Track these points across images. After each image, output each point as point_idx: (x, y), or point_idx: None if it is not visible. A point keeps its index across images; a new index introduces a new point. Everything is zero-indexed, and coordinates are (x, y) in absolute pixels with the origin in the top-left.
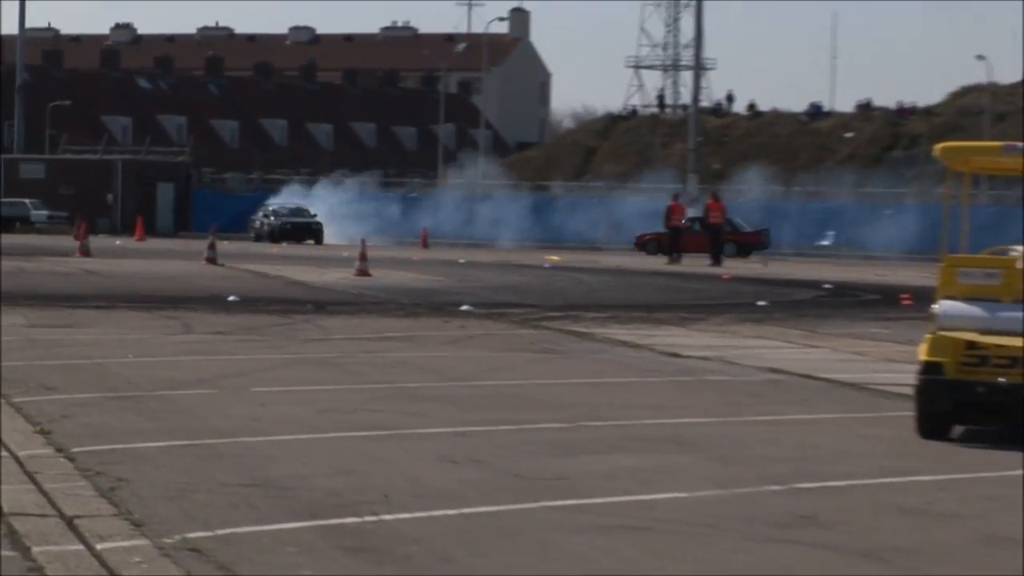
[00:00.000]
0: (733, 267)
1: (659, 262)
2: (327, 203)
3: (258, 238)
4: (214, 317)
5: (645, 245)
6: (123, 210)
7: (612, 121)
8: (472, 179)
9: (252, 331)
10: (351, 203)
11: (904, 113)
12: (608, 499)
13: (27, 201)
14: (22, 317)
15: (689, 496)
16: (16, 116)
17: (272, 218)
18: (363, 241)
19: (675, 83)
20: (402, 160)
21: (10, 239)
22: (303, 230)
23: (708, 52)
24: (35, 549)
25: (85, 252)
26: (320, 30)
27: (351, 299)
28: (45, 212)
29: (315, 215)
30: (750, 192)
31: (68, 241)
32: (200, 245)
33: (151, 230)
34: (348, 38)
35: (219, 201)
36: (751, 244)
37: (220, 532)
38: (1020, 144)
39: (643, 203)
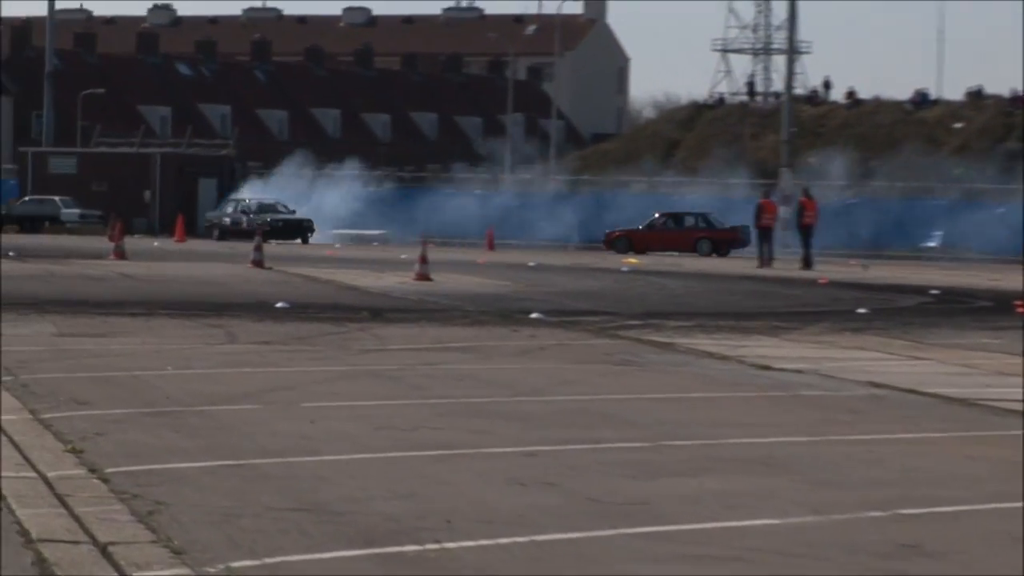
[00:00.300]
0: (821, 271)
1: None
2: (379, 199)
3: (223, 236)
4: (260, 326)
5: (614, 243)
6: (161, 208)
7: (697, 110)
8: (543, 173)
9: (302, 341)
10: (406, 199)
11: (1018, 102)
12: (693, 526)
13: (57, 199)
14: (51, 325)
15: (782, 523)
16: (45, 105)
17: (250, 215)
18: (423, 242)
19: (766, 68)
20: (465, 153)
21: (38, 240)
22: (294, 228)
23: (803, 35)
24: None
25: (120, 254)
26: (377, 11)
27: (410, 306)
28: (77, 210)
29: (294, 211)
30: (848, 188)
31: (102, 242)
32: (245, 247)
33: (192, 230)
34: (407, 20)
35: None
36: (728, 241)
37: (267, 561)
38: None
39: (724, 200)
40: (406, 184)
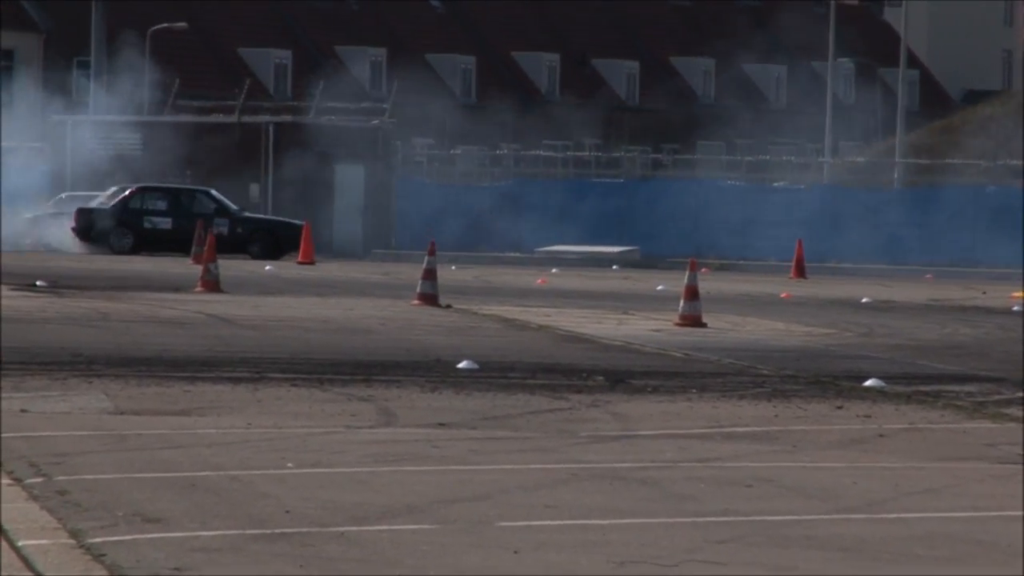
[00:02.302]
0: None
1: None
2: (606, 194)
3: (157, 246)
4: (433, 398)
5: None
6: (276, 211)
7: None
8: (883, 154)
9: (499, 423)
10: (648, 195)
11: None
12: None
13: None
14: (104, 397)
15: None
16: (93, 49)
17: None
18: (693, 264)
19: None
20: (744, 121)
21: (85, 263)
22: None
23: None
24: None
25: (211, 284)
26: None
27: (671, 367)
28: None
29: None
30: None
31: (181, 264)
32: (409, 272)
33: (324, 245)
34: None
35: (441, 197)
36: None
37: None
38: None
39: None
40: (650, 172)
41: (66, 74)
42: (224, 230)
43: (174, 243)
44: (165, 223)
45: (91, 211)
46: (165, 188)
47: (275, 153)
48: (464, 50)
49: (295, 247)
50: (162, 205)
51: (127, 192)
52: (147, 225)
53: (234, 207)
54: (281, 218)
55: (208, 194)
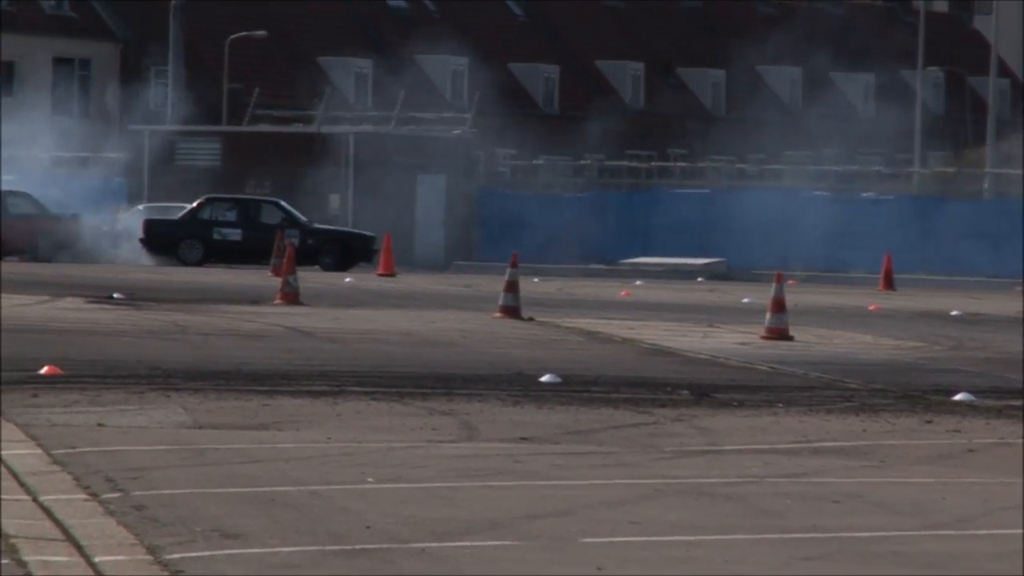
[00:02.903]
0: None
1: None
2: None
3: (227, 258)
4: (515, 412)
5: None
6: (357, 222)
7: None
8: (972, 164)
9: (582, 437)
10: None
11: None
12: None
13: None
14: (182, 411)
15: None
16: (171, 58)
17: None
18: (779, 276)
19: None
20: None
21: (162, 275)
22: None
23: None
24: None
25: (290, 296)
26: None
27: (757, 380)
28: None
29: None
30: None
31: (260, 276)
32: (490, 284)
33: (405, 257)
34: None
35: (523, 207)
36: None
37: None
38: None
39: None
40: (736, 182)
41: (143, 84)
42: (295, 241)
43: (243, 254)
44: (235, 234)
45: (160, 222)
46: (234, 199)
47: (356, 163)
48: (547, 59)
49: (367, 258)
50: (231, 216)
51: (196, 203)
52: (216, 236)
53: (303, 218)
54: (352, 229)
55: (277, 205)
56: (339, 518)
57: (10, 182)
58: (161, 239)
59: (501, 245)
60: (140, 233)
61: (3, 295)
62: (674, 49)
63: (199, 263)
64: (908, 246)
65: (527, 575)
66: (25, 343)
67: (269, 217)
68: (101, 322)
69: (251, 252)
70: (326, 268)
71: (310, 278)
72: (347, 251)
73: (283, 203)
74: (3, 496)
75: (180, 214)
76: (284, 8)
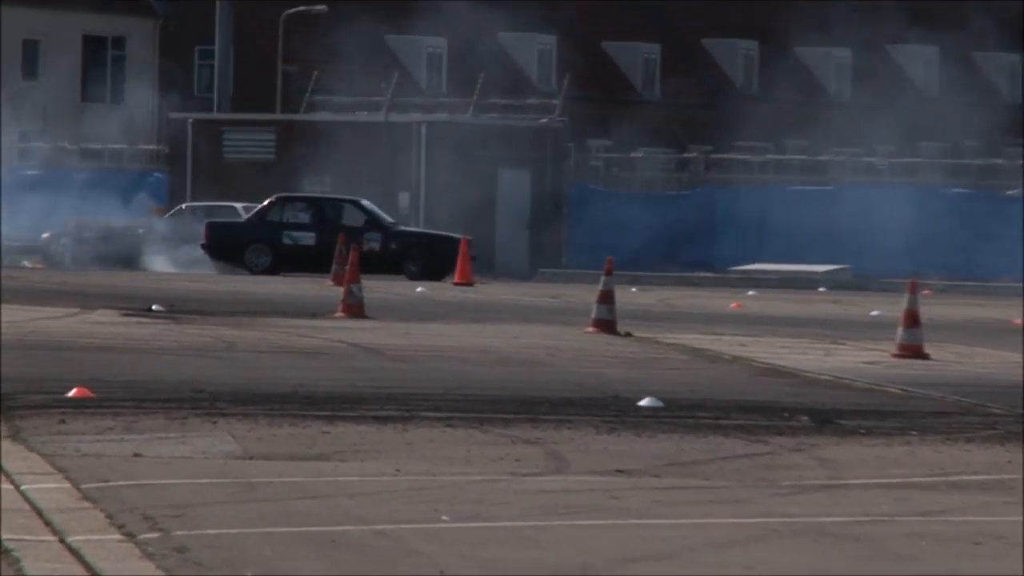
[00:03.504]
0: None
1: None
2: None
3: (299, 265)
4: (610, 440)
5: None
6: (429, 222)
7: None
8: None
9: (687, 469)
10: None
11: None
12: None
13: (239, 206)
14: (230, 439)
15: None
16: (218, 37)
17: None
18: (913, 285)
19: None
20: None
21: (200, 283)
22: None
23: None
24: None
25: (353, 308)
26: None
27: (887, 405)
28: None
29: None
30: None
31: (320, 286)
32: (581, 294)
33: (484, 263)
34: None
35: (620, 206)
36: None
37: None
38: None
39: None
40: (863, 177)
41: (186, 66)
42: (376, 246)
43: (318, 261)
44: (308, 238)
45: (224, 225)
46: (309, 198)
47: (428, 157)
48: (646, 37)
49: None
50: (305, 218)
51: (265, 203)
52: (287, 241)
53: (388, 219)
54: (443, 232)
55: (358, 204)
56: (409, 561)
57: (29, 178)
58: (225, 244)
59: (594, 250)
60: (202, 238)
61: (26, 307)
62: (792, 25)
63: (268, 271)
64: None
65: None
66: (51, 362)
67: (349, 218)
68: (137, 338)
69: (327, 258)
70: (412, 277)
71: (380, 287)
72: (435, 257)
73: (365, 202)
74: (26, 537)
75: (247, 216)
76: None
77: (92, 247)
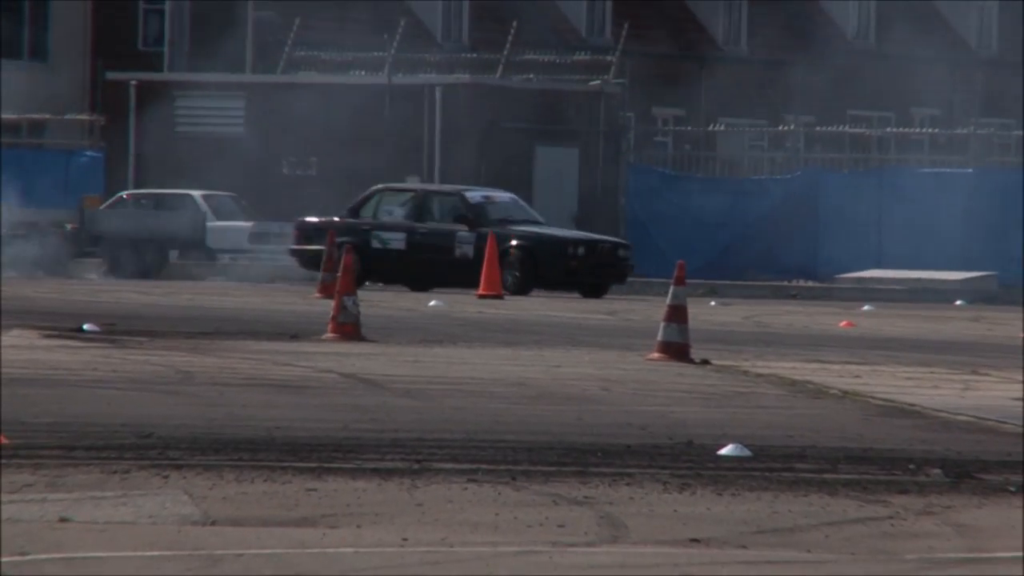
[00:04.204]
0: None
1: None
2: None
3: (387, 274)
4: (681, 500)
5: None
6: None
7: None
8: None
9: (782, 537)
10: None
11: None
12: None
13: (196, 194)
14: (186, 498)
15: None
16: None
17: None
18: None
19: None
20: None
21: (144, 295)
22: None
23: None
24: None
25: (347, 328)
26: None
27: None
28: (244, 223)
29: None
30: None
31: (303, 299)
32: (644, 309)
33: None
34: None
35: (693, 194)
36: None
37: None
38: None
39: None
40: (1012, 158)
41: (124, 12)
42: (468, 250)
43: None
44: (398, 240)
45: (317, 225)
46: (411, 189)
47: (444, 129)
48: None
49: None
50: (400, 214)
51: (363, 196)
52: (376, 244)
53: (538, 217)
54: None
55: (462, 198)
56: None
57: None
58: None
59: (661, 252)
60: (291, 241)
61: None
62: None
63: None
64: None
65: None
66: None
67: (447, 213)
68: (64, 367)
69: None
70: (513, 290)
71: (384, 301)
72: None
73: (469, 194)
74: None
75: (342, 213)
76: None
77: (3, 247)
